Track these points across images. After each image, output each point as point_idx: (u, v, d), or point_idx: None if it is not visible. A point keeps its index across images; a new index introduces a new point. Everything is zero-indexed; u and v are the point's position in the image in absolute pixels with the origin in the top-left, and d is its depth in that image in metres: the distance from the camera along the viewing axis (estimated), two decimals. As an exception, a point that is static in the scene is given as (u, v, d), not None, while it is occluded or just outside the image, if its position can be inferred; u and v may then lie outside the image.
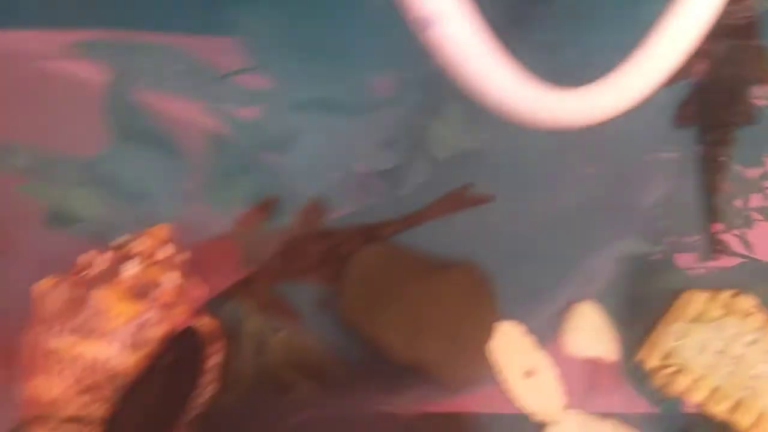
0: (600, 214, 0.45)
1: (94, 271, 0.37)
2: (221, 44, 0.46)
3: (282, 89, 0.46)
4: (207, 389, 0.39)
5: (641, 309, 0.44)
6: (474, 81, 0.31)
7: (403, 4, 0.32)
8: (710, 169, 0.46)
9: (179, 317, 0.38)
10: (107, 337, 0.35)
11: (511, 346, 0.42)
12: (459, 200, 0.44)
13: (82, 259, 0.38)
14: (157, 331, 0.36)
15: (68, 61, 0.45)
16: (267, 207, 0.45)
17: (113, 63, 0.45)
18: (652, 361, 0.42)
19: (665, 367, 0.41)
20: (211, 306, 0.42)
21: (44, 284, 0.36)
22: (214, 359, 0.39)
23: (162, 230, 0.40)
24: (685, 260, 0.45)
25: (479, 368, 0.40)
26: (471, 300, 0.40)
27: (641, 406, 0.43)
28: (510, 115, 0.32)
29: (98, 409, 0.35)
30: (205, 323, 0.39)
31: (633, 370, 0.43)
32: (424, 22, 0.31)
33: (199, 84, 0.45)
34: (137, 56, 0.45)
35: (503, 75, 0.30)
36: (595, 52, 0.44)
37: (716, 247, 0.45)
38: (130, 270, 0.36)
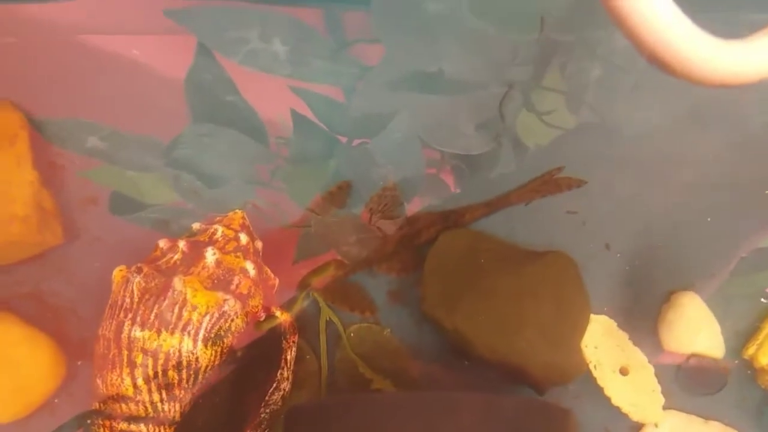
0: (713, 198, 0.42)
1: (171, 258, 0.36)
2: (321, 16, 0.43)
3: (386, 65, 0.43)
4: (283, 384, 0.37)
5: (749, 301, 0.40)
6: (659, 35, 0.27)
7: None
8: None
9: (255, 309, 0.36)
10: (186, 329, 0.33)
11: (606, 341, 0.39)
12: (548, 185, 0.41)
13: (158, 246, 0.37)
14: (234, 324, 0.34)
15: (151, 36, 0.44)
16: (341, 193, 0.43)
17: (201, 34, 0.43)
18: (763, 358, 0.38)
19: (778, 365, 0.38)
20: (285, 297, 0.41)
21: (122, 272, 0.35)
22: (290, 353, 0.37)
23: (237, 217, 0.38)
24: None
25: (573, 364, 0.37)
26: (564, 291, 0.38)
27: (748, 408, 0.39)
28: (694, 72, 0.27)
29: (171, 409, 0.33)
30: (280, 315, 0.37)
31: (739, 369, 0.39)
32: None
33: (293, 60, 0.43)
34: (229, 26, 0.43)
35: (687, 26, 0.26)
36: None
37: None
38: (210, 258, 0.35)
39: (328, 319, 0.41)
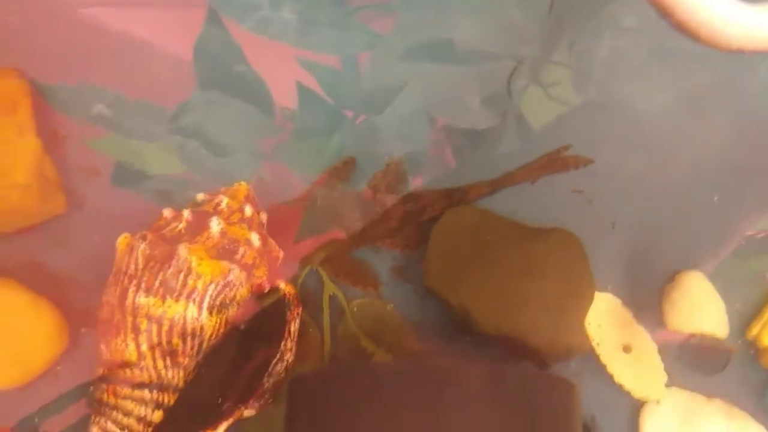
0: (719, 177, 0.41)
1: (176, 227, 0.35)
2: None
3: (398, 33, 0.42)
4: (287, 355, 0.37)
5: (754, 281, 0.40)
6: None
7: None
8: None
9: (259, 279, 0.36)
10: (191, 297, 0.33)
11: (609, 319, 0.39)
12: (555, 163, 0.41)
13: (162, 215, 0.37)
14: (239, 293, 0.34)
15: (161, 4, 0.43)
16: (345, 168, 0.43)
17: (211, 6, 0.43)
18: (766, 338, 0.38)
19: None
20: (289, 270, 0.41)
21: (126, 239, 0.35)
22: (293, 325, 0.37)
23: (242, 189, 0.38)
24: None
25: (576, 341, 0.37)
26: (568, 269, 0.37)
27: (750, 387, 0.39)
28: (721, 36, 0.27)
29: (176, 376, 0.33)
30: (285, 287, 0.37)
31: (743, 349, 0.39)
32: None
33: (302, 29, 0.43)
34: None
35: None
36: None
37: None
38: (215, 228, 0.35)
39: (331, 293, 0.41)
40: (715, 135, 0.42)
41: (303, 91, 0.43)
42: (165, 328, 0.33)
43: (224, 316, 0.34)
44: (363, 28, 0.43)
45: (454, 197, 0.42)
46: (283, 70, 0.43)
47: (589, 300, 0.38)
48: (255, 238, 0.36)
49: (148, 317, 0.33)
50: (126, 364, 0.33)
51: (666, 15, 0.26)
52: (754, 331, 0.39)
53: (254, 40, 0.43)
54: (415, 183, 0.43)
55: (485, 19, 0.43)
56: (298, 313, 0.37)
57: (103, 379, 0.33)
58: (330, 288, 0.41)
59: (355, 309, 0.41)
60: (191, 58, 0.43)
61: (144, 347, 0.33)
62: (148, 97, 0.42)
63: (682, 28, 0.27)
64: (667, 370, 0.39)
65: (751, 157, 0.42)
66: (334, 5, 0.43)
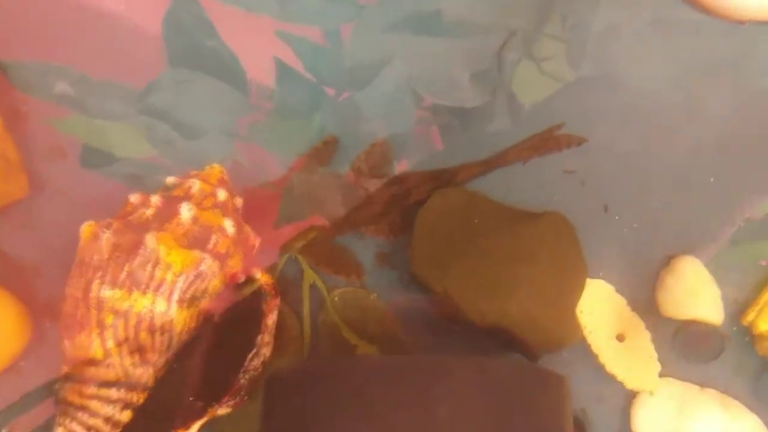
0: (718, 157, 0.40)
1: (144, 214, 0.33)
2: None
3: (383, 4, 0.40)
4: (263, 349, 0.35)
5: (750, 267, 0.39)
6: None
7: None
8: None
9: (234, 269, 0.34)
10: (159, 290, 0.31)
11: (601, 307, 0.38)
12: (547, 142, 0.39)
13: (129, 201, 0.34)
14: (212, 285, 0.32)
15: None
16: (326, 149, 0.41)
17: None
18: (762, 324, 0.37)
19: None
20: (266, 259, 0.39)
21: (90, 228, 0.33)
22: (271, 317, 0.35)
23: (215, 172, 0.36)
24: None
25: (567, 331, 0.36)
26: (559, 254, 0.36)
27: (746, 375, 0.38)
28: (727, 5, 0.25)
29: (144, 373, 0.31)
30: (261, 277, 0.35)
31: (738, 335, 0.38)
32: None
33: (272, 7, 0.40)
34: None
35: None
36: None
37: None
38: (185, 214, 0.32)
39: (311, 282, 0.39)
40: (715, 113, 0.40)
41: (281, 67, 0.40)
42: (132, 323, 0.31)
43: (196, 309, 0.32)
44: (329, 5, 0.40)
45: (442, 179, 0.40)
46: (259, 45, 0.40)
47: (581, 287, 0.36)
48: (229, 225, 0.34)
49: (114, 311, 0.30)
50: (91, 362, 0.31)
51: None
52: (750, 317, 0.38)
53: (229, 12, 0.40)
54: (401, 165, 0.41)
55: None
56: (275, 305, 0.35)
57: (67, 377, 0.31)
58: (310, 277, 0.39)
59: (336, 299, 0.39)
60: (160, 34, 0.40)
61: (110, 344, 0.31)
62: (115, 76, 0.39)
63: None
64: (661, 359, 0.38)
65: (752, 135, 0.40)
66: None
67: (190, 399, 0.33)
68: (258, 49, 0.40)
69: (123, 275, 0.31)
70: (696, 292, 0.38)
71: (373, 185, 0.40)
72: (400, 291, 0.39)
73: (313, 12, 0.40)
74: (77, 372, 0.31)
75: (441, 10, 0.39)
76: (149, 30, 0.40)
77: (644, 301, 0.39)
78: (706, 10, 0.25)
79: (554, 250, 0.35)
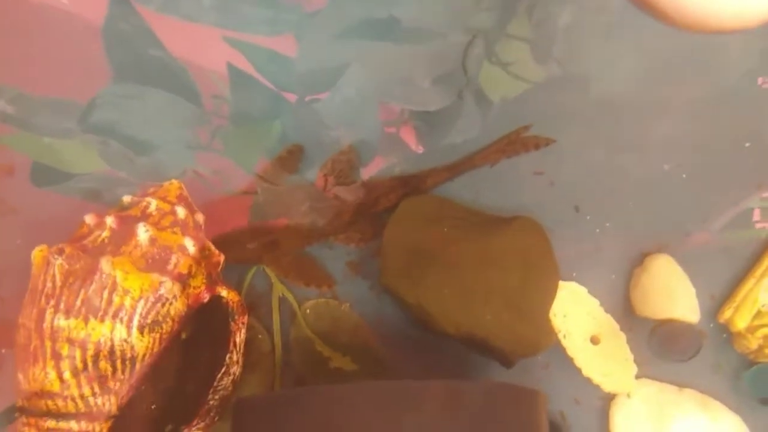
0: (689, 153, 0.39)
1: (99, 237, 0.32)
2: None
3: (332, 11, 0.39)
4: (233, 368, 0.34)
5: (726, 261, 0.38)
6: None
7: None
8: None
9: (198, 290, 0.32)
10: (117, 316, 0.30)
11: (575, 309, 0.37)
12: (515, 144, 0.38)
13: (84, 222, 0.33)
14: (174, 308, 0.31)
15: None
16: (291, 157, 0.39)
17: None
18: (740, 321, 0.37)
19: (756, 328, 0.36)
20: (232, 274, 0.38)
21: (42, 253, 0.31)
22: (239, 334, 0.34)
23: (173, 188, 0.35)
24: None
25: (541, 336, 0.35)
26: (531, 259, 0.35)
27: (726, 373, 0.38)
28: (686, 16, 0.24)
29: (107, 402, 0.30)
30: (227, 295, 0.34)
31: (715, 333, 0.38)
32: None
33: (220, 6, 0.38)
34: None
35: None
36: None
37: None
38: (142, 236, 0.31)
39: (281, 295, 0.38)
40: (684, 110, 0.40)
41: (235, 74, 0.39)
42: (90, 352, 0.29)
43: (159, 333, 0.31)
44: (292, 7, 0.39)
45: (410, 185, 0.39)
46: (209, 53, 0.38)
47: (554, 291, 0.36)
48: (189, 244, 0.33)
49: (70, 341, 0.29)
50: (47, 395, 0.29)
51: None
52: (727, 314, 0.37)
53: (170, 21, 0.38)
54: (368, 171, 0.40)
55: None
56: (243, 322, 0.34)
57: (22, 411, 0.30)
58: (279, 289, 0.38)
59: (308, 311, 0.38)
60: (102, 46, 0.38)
61: (67, 375, 0.29)
62: (57, 93, 0.38)
63: (645, 9, 0.24)
64: (638, 360, 0.37)
65: (722, 131, 0.39)
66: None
67: (159, 422, 0.31)
68: (208, 57, 0.38)
69: (78, 303, 0.29)
70: (671, 291, 0.37)
71: (341, 193, 0.39)
72: (373, 300, 0.38)
73: (256, 21, 0.38)
74: (33, 405, 0.30)
75: (396, 17, 0.38)
76: (90, 43, 0.38)
77: (619, 301, 0.38)
78: (666, 22, 0.24)
79: (525, 256, 0.35)
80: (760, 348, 0.36)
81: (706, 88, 0.40)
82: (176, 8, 0.38)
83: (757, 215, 0.39)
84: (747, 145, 0.39)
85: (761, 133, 0.39)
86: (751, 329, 0.36)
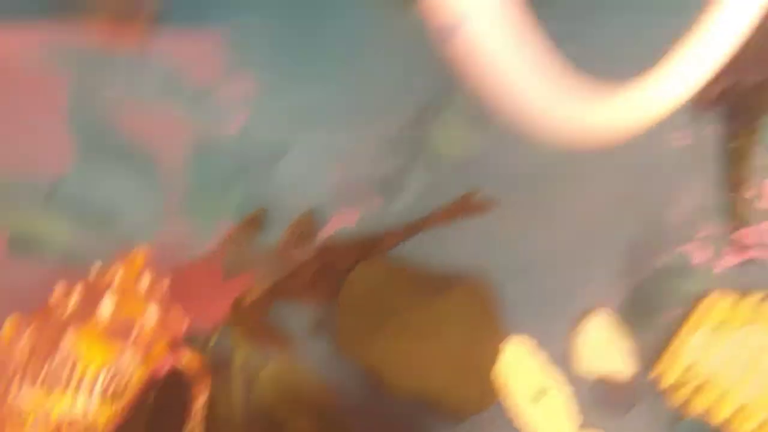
0: (613, 215, 0.42)
1: (65, 309, 0.34)
2: (201, 48, 0.42)
3: (270, 95, 0.42)
4: (194, 432, 0.36)
5: (658, 318, 0.41)
6: (508, 93, 0.26)
7: (427, 12, 0.28)
8: (734, 159, 0.42)
9: (159, 357, 0.34)
10: (79, 387, 0.31)
11: (519, 366, 0.39)
12: (464, 207, 0.41)
13: (52, 295, 0.35)
14: (136, 376, 0.33)
15: (29, 70, 0.41)
16: (254, 222, 0.42)
17: (79, 71, 0.41)
18: (671, 375, 0.39)
19: (685, 382, 0.39)
20: (195, 338, 0.39)
21: (9, 326, 0.33)
22: (199, 400, 0.35)
23: (138, 257, 0.37)
24: (704, 258, 0.42)
25: (486, 394, 0.37)
26: (476, 321, 0.37)
27: (660, 426, 0.40)
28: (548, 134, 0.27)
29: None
30: (189, 360, 0.35)
31: (650, 387, 0.40)
32: (448, 29, 0.27)
33: (175, 94, 0.42)
34: (106, 64, 0.41)
35: (541, 83, 0.26)
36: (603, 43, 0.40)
37: (737, 244, 0.41)
38: (106, 308, 0.33)
39: (243, 358, 0.40)
40: (623, 164, 0.42)
41: (190, 149, 0.42)
42: (53, 423, 0.31)
43: (121, 401, 0.32)
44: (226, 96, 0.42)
45: (367, 247, 0.41)
46: (164, 130, 0.41)
47: (497, 351, 0.38)
48: (153, 311, 0.35)
49: (34, 412, 0.31)
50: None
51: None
52: (660, 368, 0.40)
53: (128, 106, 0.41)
54: (326, 233, 0.42)
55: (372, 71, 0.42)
56: (205, 386, 0.36)
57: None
58: (242, 352, 0.40)
59: (269, 373, 0.40)
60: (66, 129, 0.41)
61: (31, 447, 0.31)
62: (25, 170, 0.40)
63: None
64: (584, 411, 0.39)
65: (653, 189, 0.42)
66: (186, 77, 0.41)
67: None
68: (165, 134, 0.41)
69: (43, 374, 0.31)
70: (603, 348, 0.40)
71: (300, 256, 0.41)
72: (335, 359, 0.40)
73: (211, 106, 0.42)
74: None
75: (332, 101, 0.41)
76: (58, 123, 0.41)
77: (564, 356, 0.41)
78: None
79: (468, 321, 0.37)
80: (686, 403, 0.38)
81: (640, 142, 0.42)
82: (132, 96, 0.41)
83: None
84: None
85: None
86: (678, 385, 0.38)
